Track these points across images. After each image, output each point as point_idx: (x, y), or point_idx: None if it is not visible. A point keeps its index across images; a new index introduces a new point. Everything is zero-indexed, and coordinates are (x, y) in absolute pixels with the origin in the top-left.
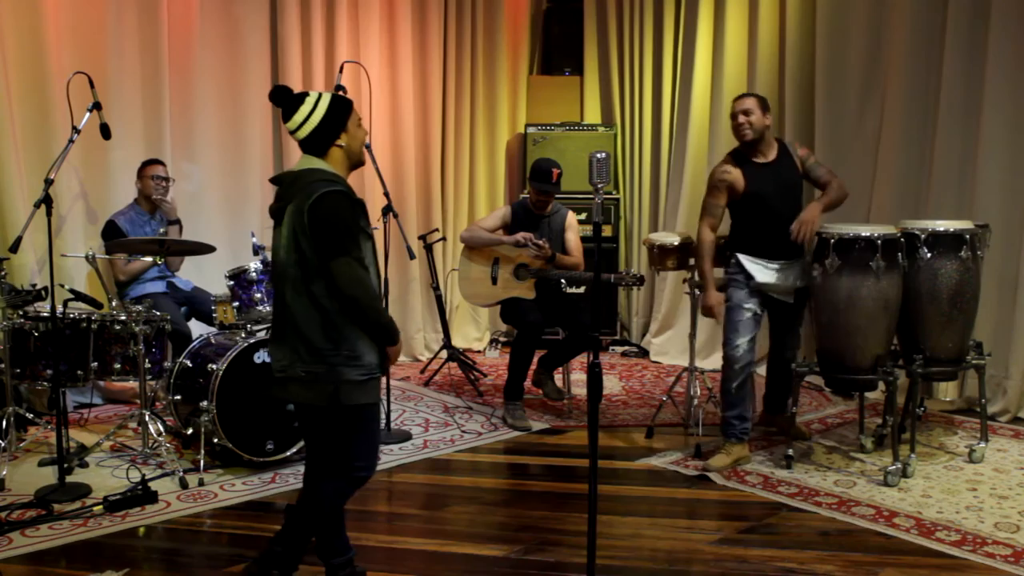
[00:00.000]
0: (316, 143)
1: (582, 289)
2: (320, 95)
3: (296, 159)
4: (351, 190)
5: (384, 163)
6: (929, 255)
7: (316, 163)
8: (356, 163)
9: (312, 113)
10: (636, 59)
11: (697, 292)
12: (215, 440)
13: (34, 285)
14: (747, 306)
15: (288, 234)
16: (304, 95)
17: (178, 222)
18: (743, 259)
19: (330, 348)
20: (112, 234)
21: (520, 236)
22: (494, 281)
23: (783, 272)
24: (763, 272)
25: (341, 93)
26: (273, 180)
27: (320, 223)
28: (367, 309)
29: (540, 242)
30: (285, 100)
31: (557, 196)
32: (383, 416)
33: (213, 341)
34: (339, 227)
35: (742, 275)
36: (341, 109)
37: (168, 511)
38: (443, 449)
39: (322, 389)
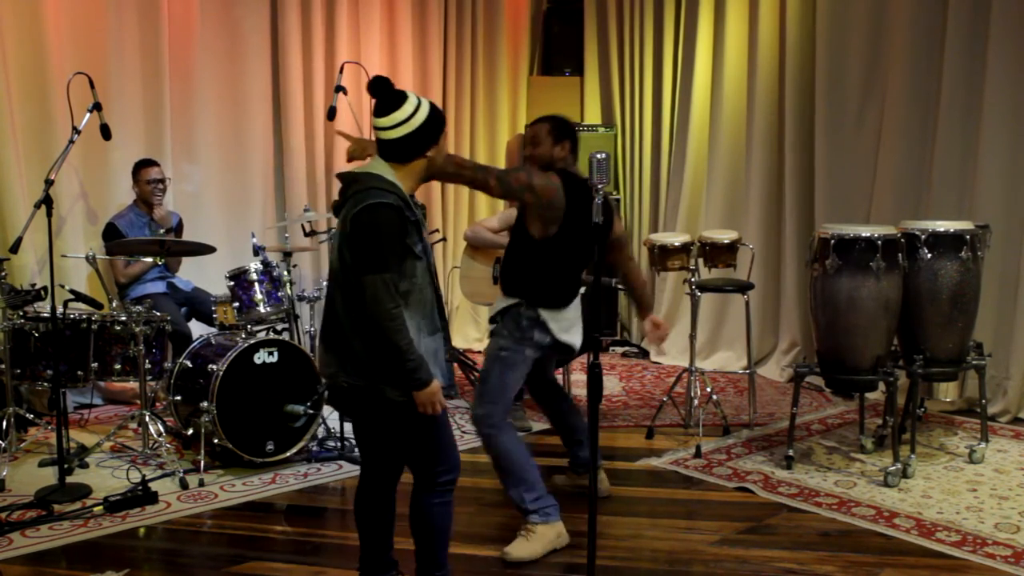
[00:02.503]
0: (403, 149)
1: (582, 289)
2: (420, 100)
3: (295, 160)
4: (407, 204)
5: None
6: (929, 255)
7: (381, 168)
8: (431, 176)
9: (412, 117)
10: (636, 59)
11: (698, 293)
12: (215, 441)
13: (33, 285)
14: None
15: (339, 237)
16: (404, 95)
17: (177, 228)
18: None
19: (374, 363)
20: (112, 237)
21: None
22: (495, 280)
23: None
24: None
25: (341, 93)
26: (338, 176)
27: (359, 235)
28: (379, 337)
29: None
30: (384, 94)
31: None
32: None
33: (213, 342)
34: (377, 242)
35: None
36: (440, 120)
37: (168, 511)
38: None
39: (367, 401)
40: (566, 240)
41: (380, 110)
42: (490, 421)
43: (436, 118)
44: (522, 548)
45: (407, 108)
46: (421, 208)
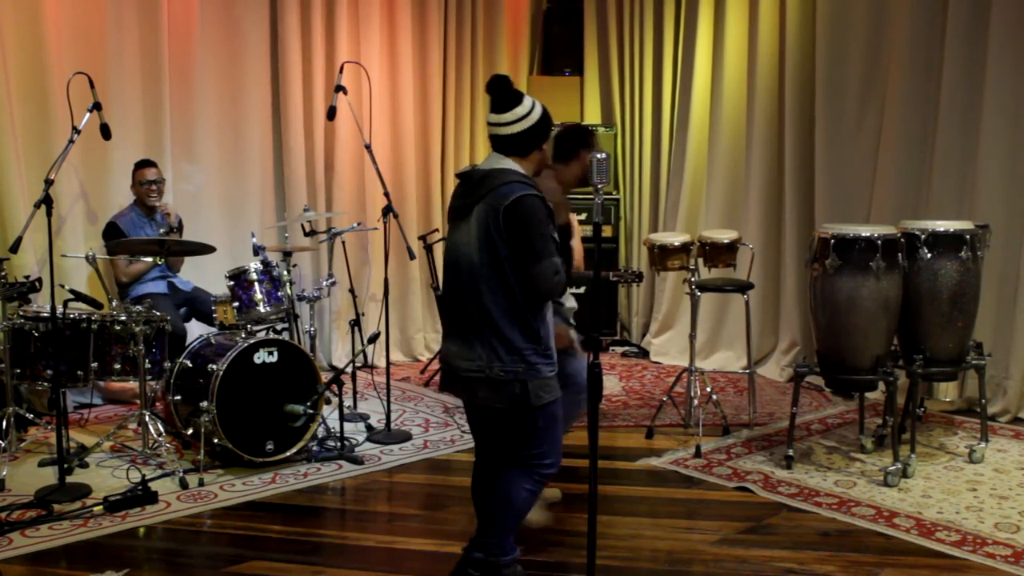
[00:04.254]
0: (522, 143)
1: (582, 289)
2: (533, 99)
3: (295, 160)
4: (543, 194)
5: (384, 163)
6: (929, 255)
7: (507, 163)
8: (537, 171)
9: (530, 113)
10: (636, 59)
11: (698, 293)
12: (215, 440)
13: (27, 277)
14: None
15: (478, 234)
16: (521, 93)
17: (178, 229)
18: None
19: (530, 348)
20: (113, 236)
21: None
22: None
23: None
24: None
25: (341, 93)
26: (460, 175)
27: (519, 227)
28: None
29: None
30: (505, 91)
31: None
32: (386, 417)
33: (213, 341)
34: (538, 231)
35: None
36: (549, 118)
37: (168, 511)
38: (443, 449)
39: (510, 390)
40: None
41: (501, 107)
42: None
43: (548, 115)
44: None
45: (526, 105)
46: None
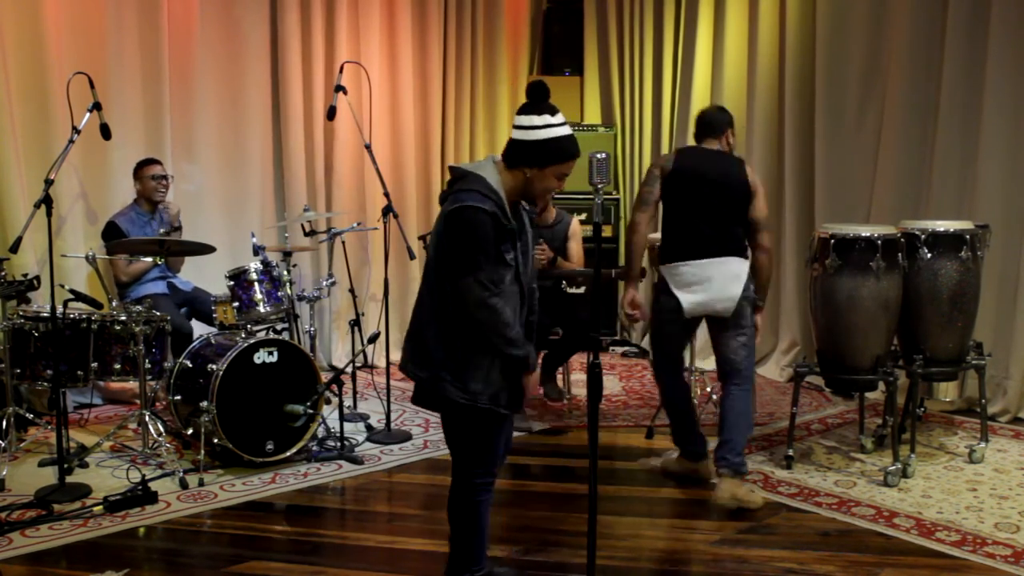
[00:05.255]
0: (512, 152)
1: (582, 289)
2: (561, 125)
3: (295, 160)
4: (504, 212)
5: (384, 163)
6: (929, 255)
7: (488, 169)
8: (527, 198)
9: (538, 129)
10: (636, 59)
11: None
12: (215, 440)
13: (26, 275)
14: None
15: (434, 236)
16: (552, 108)
17: (179, 229)
18: None
19: (440, 358)
20: (113, 235)
21: None
22: None
23: None
24: None
25: (341, 93)
26: (450, 168)
27: (452, 236)
28: (491, 334)
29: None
30: (534, 96)
31: (558, 197)
32: (386, 417)
33: (213, 341)
34: (469, 245)
35: None
36: (557, 151)
37: (168, 511)
38: (443, 449)
39: (428, 393)
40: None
41: (522, 109)
42: (654, 371)
43: (555, 147)
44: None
45: (540, 120)
46: (531, 212)
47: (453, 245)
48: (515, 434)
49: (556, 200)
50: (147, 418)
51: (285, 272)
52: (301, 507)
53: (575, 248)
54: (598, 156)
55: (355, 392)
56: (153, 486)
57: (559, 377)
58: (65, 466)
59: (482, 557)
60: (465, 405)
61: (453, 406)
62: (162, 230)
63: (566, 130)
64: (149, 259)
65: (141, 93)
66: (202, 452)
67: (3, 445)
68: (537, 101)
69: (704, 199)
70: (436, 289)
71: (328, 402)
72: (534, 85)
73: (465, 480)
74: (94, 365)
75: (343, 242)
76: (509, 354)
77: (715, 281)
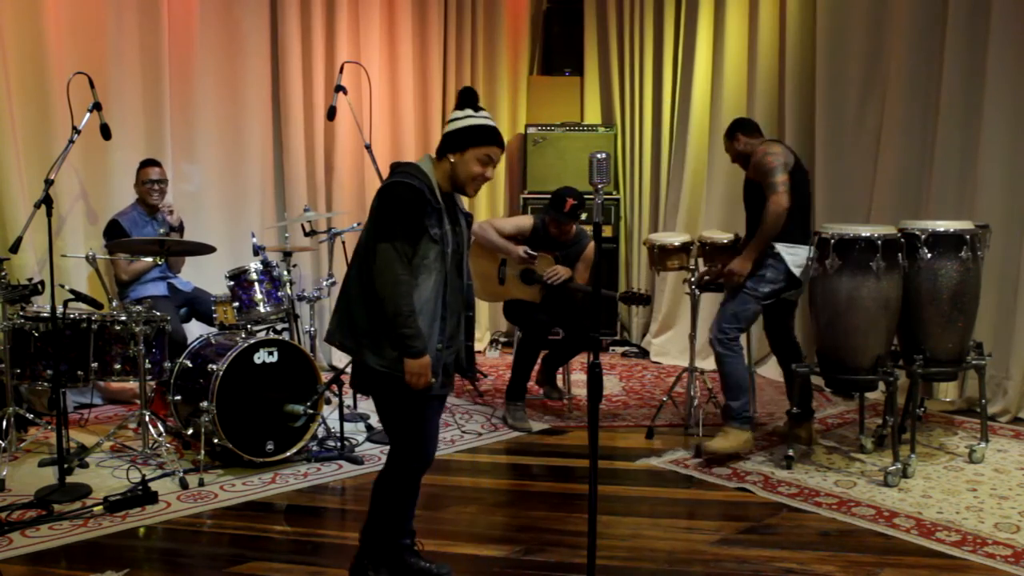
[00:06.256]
0: (441, 145)
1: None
2: (482, 116)
3: (295, 160)
4: (432, 191)
5: (384, 163)
6: (929, 255)
7: (423, 161)
8: (456, 188)
9: (455, 120)
10: (636, 59)
11: (697, 292)
12: (215, 440)
13: (30, 279)
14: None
15: (369, 211)
16: (477, 107)
17: (179, 229)
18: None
19: (364, 328)
20: (115, 234)
21: (523, 251)
22: (501, 281)
23: None
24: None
25: (341, 93)
26: (391, 164)
27: (379, 206)
28: (386, 300)
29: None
30: (464, 99)
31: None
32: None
33: (213, 341)
34: (392, 213)
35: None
36: (474, 135)
37: (168, 511)
38: (443, 449)
39: (355, 365)
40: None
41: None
42: (723, 344)
43: (471, 132)
44: (720, 443)
45: (464, 113)
46: (467, 216)
47: (379, 216)
48: (515, 434)
49: (582, 228)
50: (147, 418)
51: (285, 272)
52: (301, 507)
53: (581, 270)
54: (598, 156)
55: (355, 392)
56: (153, 486)
57: (559, 377)
58: (65, 466)
59: (406, 525)
60: (384, 373)
61: (375, 376)
62: (161, 230)
63: (485, 121)
64: (150, 259)
65: (141, 93)
66: (202, 452)
67: (3, 445)
68: (463, 103)
69: (809, 192)
70: (364, 263)
71: (328, 402)
72: (462, 91)
73: (396, 463)
74: (94, 365)
75: (343, 242)
76: (395, 327)
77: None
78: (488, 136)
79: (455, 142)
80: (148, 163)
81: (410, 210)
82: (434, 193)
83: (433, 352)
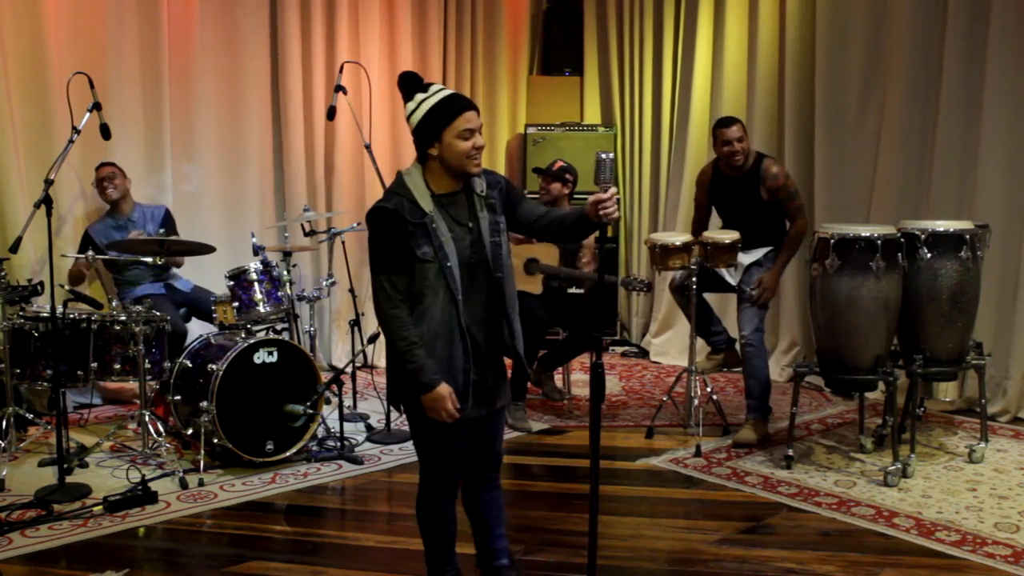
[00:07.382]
0: (415, 145)
1: (583, 290)
2: (433, 93)
3: (295, 160)
4: (413, 207)
5: (384, 163)
6: (929, 255)
7: (411, 172)
8: (458, 174)
9: (412, 113)
10: (636, 59)
11: (693, 292)
12: (215, 440)
13: (30, 280)
14: None
15: None
16: (425, 87)
17: (164, 222)
18: None
19: (391, 349)
20: (86, 245)
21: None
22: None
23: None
24: None
25: (341, 93)
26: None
27: (369, 237)
28: (386, 333)
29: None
30: (406, 86)
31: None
32: (385, 417)
33: (213, 341)
34: (373, 244)
35: None
36: (438, 116)
37: (168, 511)
38: None
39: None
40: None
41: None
42: (760, 343)
43: (435, 114)
44: (749, 434)
45: (415, 101)
46: (490, 195)
47: (368, 247)
48: (515, 434)
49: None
50: (147, 418)
51: (285, 272)
52: (301, 507)
53: (585, 256)
54: (604, 156)
55: (355, 392)
56: (153, 486)
57: (559, 377)
58: (65, 466)
59: (449, 559)
60: (407, 403)
61: (400, 395)
62: (133, 233)
63: (442, 94)
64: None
65: (141, 93)
66: (202, 452)
67: (3, 445)
68: (409, 91)
69: None
70: None
71: (328, 402)
72: (401, 79)
73: (424, 485)
74: (94, 365)
75: (343, 242)
76: (401, 357)
77: None
78: (453, 107)
79: (425, 134)
80: (99, 166)
81: (388, 237)
82: (417, 206)
83: (459, 375)
